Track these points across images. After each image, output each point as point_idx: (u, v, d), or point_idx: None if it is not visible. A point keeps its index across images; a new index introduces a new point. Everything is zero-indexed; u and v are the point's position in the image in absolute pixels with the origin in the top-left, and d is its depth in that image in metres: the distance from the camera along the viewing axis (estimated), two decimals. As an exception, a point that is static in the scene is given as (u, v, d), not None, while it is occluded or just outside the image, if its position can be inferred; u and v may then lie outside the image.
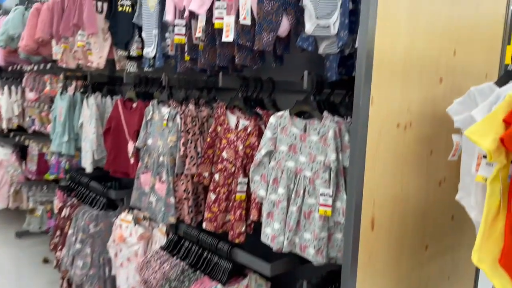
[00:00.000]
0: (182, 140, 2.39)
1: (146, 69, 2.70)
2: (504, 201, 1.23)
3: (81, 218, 3.17)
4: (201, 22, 1.96)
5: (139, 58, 2.93)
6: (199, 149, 2.42)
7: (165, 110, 2.53)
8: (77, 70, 3.67)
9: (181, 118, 2.41)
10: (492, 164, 1.21)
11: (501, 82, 1.41)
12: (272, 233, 1.84)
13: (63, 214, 3.52)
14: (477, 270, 2.25)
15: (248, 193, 2.14)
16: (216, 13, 1.87)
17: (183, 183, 2.44)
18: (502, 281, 1.22)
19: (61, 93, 3.56)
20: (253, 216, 2.08)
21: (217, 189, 2.23)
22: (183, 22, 2.13)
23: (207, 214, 2.24)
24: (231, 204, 2.18)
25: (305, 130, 1.78)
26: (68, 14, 3.10)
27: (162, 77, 2.51)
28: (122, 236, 2.88)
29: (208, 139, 2.31)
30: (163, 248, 2.50)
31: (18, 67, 4.87)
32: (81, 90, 3.52)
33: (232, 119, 2.25)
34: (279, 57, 2.03)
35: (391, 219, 1.66)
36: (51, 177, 4.55)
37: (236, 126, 2.22)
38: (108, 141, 3.08)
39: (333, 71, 1.70)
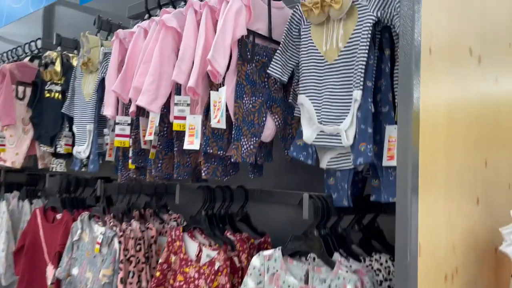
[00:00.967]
0: (120, 275, 1.73)
1: (77, 169, 2.08)
2: None
3: None
4: (153, 122, 1.43)
5: (69, 156, 2.32)
6: (144, 284, 1.77)
7: (98, 229, 1.88)
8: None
9: (120, 243, 1.77)
10: None
11: None
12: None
13: None
14: None
15: None
16: (175, 110, 1.35)
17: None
18: None
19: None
20: None
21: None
22: (128, 119, 1.59)
23: None
24: None
25: (306, 281, 1.22)
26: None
27: (97, 184, 1.90)
28: None
29: (158, 274, 1.68)
30: None
31: None
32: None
33: (192, 246, 1.65)
34: (259, 166, 1.52)
35: None
36: None
37: (198, 257, 1.62)
38: (20, 264, 2.32)
39: (343, 193, 1.20)
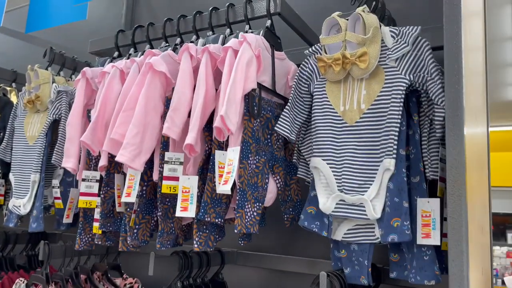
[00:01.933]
0: None
1: (10, 225, 1.73)
2: None
3: None
4: (133, 181, 1.20)
5: (-2, 207, 1.94)
6: None
7: (39, 302, 1.55)
8: None
9: (69, 320, 1.46)
10: None
11: None
12: None
13: None
14: None
15: None
16: (165, 169, 1.14)
17: None
18: None
19: None
20: None
21: None
22: (96, 175, 1.34)
23: None
24: None
25: None
26: None
27: (40, 247, 1.57)
28: None
29: None
30: None
31: None
32: None
33: (163, 324, 1.41)
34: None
35: None
36: None
37: (172, 338, 1.37)
38: None
39: (361, 269, 1.07)
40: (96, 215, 1.33)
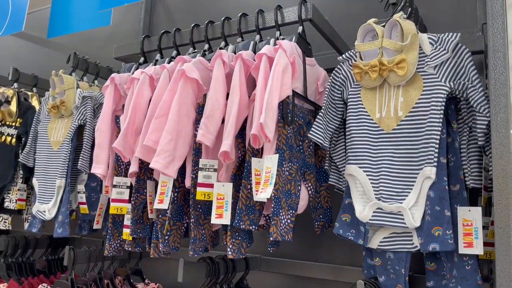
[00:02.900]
0: None
1: (33, 230, 1.73)
2: None
3: None
4: (165, 187, 1.20)
5: (18, 212, 1.94)
6: None
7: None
8: None
9: (96, 326, 1.46)
10: None
11: None
12: None
13: None
14: None
15: None
16: (200, 176, 1.14)
17: None
18: None
19: None
20: None
21: None
22: (127, 181, 1.33)
23: None
24: None
25: None
26: None
27: (65, 252, 1.56)
28: None
29: None
30: None
31: None
32: None
33: (191, 330, 1.40)
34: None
35: None
36: None
37: None
38: None
39: (397, 278, 1.06)
40: (126, 222, 1.33)
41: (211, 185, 1.14)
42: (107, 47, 1.72)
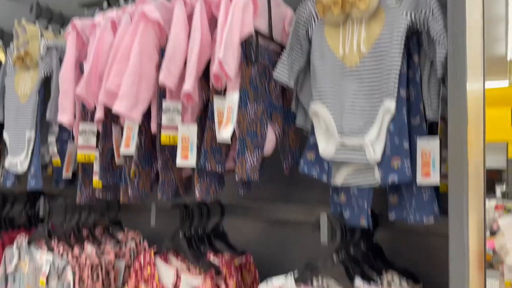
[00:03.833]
0: (77, 307, 1.46)
1: (8, 185, 1.73)
2: None
3: None
4: (131, 131, 1.19)
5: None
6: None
7: (43, 257, 1.57)
8: None
9: (73, 273, 1.49)
10: None
11: None
12: None
13: None
14: None
15: None
16: (164, 119, 1.13)
17: None
18: None
19: None
20: None
21: None
22: (93, 128, 1.32)
23: None
24: None
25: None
26: None
27: (40, 204, 1.57)
28: None
29: (126, 305, 1.44)
30: None
31: None
32: None
33: (167, 273, 1.44)
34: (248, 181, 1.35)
35: None
36: None
37: (176, 287, 1.41)
38: None
39: (360, 211, 1.09)
40: (96, 168, 1.33)
41: (175, 128, 1.13)
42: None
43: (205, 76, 1.17)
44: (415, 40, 1.06)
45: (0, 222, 1.93)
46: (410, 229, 1.15)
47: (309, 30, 1.16)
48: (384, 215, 1.18)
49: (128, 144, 1.18)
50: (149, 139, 1.26)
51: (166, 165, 1.22)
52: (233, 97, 1.04)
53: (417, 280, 1.19)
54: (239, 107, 1.09)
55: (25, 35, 1.63)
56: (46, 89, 1.63)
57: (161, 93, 1.20)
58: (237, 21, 1.04)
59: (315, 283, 1.12)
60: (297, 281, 1.12)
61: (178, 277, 1.42)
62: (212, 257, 1.42)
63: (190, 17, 1.16)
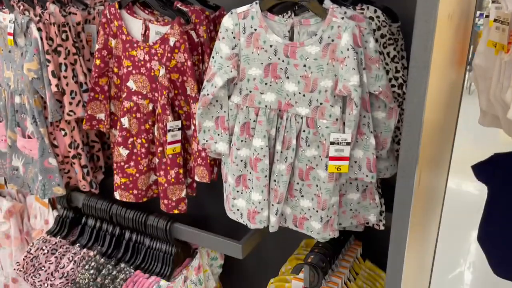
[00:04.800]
0: (50, 68, 1.45)
1: None
2: None
3: None
4: None
5: None
6: (80, 78, 1.52)
7: (5, 17, 1.49)
8: None
9: (39, 30, 1.43)
10: None
11: None
12: (248, 208, 1.17)
13: None
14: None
15: (183, 141, 1.41)
16: None
17: (66, 134, 1.56)
18: None
19: None
20: (201, 176, 1.37)
21: (130, 141, 1.43)
22: None
23: (120, 179, 1.45)
24: (158, 160, 1.41)
25: (292, 38, 1.04)
26: None
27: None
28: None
29: (97, 62, 1.42)
30: (51, 232, 1.67)
31: None
32: None
33: (134, 25, 1.38)
34: None
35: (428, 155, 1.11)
36: None
37: (145, 37, 1.36)
38: None
39: None
40: None
41: None
42: None
43: None
44: None
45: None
46: None
47: None
48: None
49: None
50: None
51: None
52: None
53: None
54: None
55: None
56: None
57: None
58: None
59: (281, 10, 1.04)
60: (262, 7, 1.04)
61: (146, 27, 1.36)
62: (181, 6, 1.34)
63: None
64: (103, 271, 1.45)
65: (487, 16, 1.13)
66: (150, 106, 1.39)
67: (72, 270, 1.50)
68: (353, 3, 1.09)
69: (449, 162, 1.89)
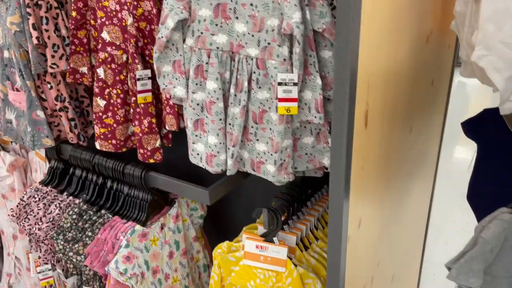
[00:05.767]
0: (31, 20, 1.49)
1: None
2: None
3: None
4: None
5: None
6: (63, 32, 1.56)
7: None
8: None
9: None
10: None
11: None
12: (206, 151, 1.20)
13: None
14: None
15: (156, 91, 1.44)
16: None
17: (51, 87, 1.62)
18: None
19: None
20: (170, 124, 1.40)
21: (106, 91, 1.47)
22: None
23: (99, 129, 1.50)
24: (132, 110, 1.45)
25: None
26: None
27: None
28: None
29: (74, 14, 1.46)
30: (43, 182, 1.76)
31: None
32: None
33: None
34: None
35: (383, 107, 1.10)
36: None
37: None
38: None
39: None
40: None
41: None
42: None
43: None
44: None
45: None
46: None
47: None
48: None
49: None
50: None
51: None
52: None
53: None
54: None
55: None
56: None
57: None
58: None
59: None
60: None
61: None
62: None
63: None
64: (85, 216, 1.53)
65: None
66: (124, 57, 1.42)
67: (58, 215, 1.59)
68: None
69: (441, 128, 1.84)
